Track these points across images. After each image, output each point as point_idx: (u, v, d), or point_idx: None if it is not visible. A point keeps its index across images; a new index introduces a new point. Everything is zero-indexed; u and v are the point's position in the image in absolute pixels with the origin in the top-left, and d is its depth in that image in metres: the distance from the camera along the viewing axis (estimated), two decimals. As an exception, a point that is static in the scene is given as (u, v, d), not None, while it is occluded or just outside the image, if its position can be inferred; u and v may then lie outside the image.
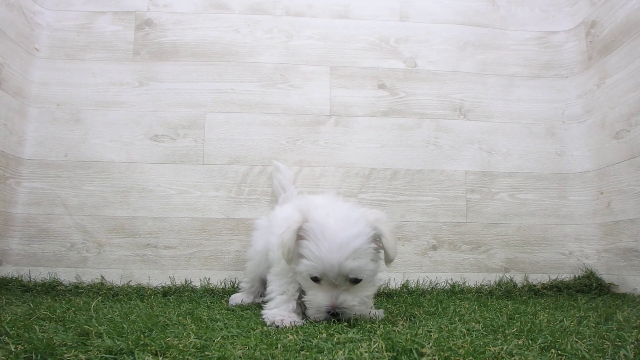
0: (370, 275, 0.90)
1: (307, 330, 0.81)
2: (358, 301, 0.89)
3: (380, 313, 0.99)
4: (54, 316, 0.89)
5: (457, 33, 1.79)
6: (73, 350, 0.63)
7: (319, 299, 0.89)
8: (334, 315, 0.88)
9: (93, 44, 1.69)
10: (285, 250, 0.90)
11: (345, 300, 0.88)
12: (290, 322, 0.88)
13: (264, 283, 1.21)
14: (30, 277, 1.50)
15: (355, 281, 0.89)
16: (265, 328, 0.84)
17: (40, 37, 1.67)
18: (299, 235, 0.90)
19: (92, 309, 1.00)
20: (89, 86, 1.66)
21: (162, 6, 1.73)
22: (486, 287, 1.56)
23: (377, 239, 0.92)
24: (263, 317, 0.94)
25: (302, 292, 0.96)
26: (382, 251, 0.95)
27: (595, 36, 1.68)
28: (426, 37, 1.78)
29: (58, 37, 1.68)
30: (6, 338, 0.68)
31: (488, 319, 0.95)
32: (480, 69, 1.78)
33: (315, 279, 0.89)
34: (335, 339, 0.72)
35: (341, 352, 0.63)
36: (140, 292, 1.41)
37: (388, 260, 0.94)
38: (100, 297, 1.31)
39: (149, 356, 0.62)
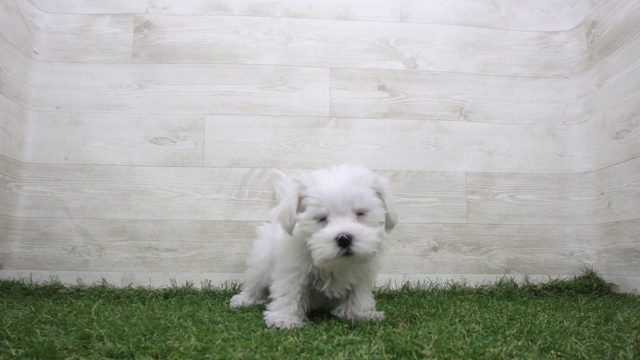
0: (375, 208, 0.89)
1: (307, 332, 0.81)
2: (368, 231, 0.85)
3: (380, 315, 0.99)
4: (55, 319, 0.89)
5: (457, 34, 1.79)
6: (74, 354, 0.63)
7: (326, 231, 0.85)
8: (344, 243, 0.82)
9: (92, 47, 1.69)
10: (287, 216, 0.90)
11: (354, 227, 0.84)
12: (291, 325, 0.88)
13: (265, 291, 1.20)
14: (31, 281, 1.51)
15: (362, 214, 0.88)
16: (266, 330, 0.84)
17: (39, 40, 1.67)
18: (300, 199, 0.91)
19: (93, 312, 1.00)
20: (89, 89, 1.66)
21: (161, 8, 1.74)
22: (487, 288, 1.56)
23: (379, 195, 0.92)
24: (264, 319, 0.94)
25: (304, 293, 0.96)
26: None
27: (596, 36, 1.67)
28: (426, 38, 1.78)
29: (57, 40, 1.69)
30: (7, 342, 0.68)
31: (488, 320, 0.95)
32: (481, 69, 1.78)
33: (321, 220, 0.88)
34: (336, 340, 0.72)
35: (341, 354, 0.63)
36: (142, 295, 1.41)
37: (389, 224, 0.93)
38: (101, 300, 1.31)
39: (150, 359, 0.62)
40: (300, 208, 0.91)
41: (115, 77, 1.68)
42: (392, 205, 0.93)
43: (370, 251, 0.85)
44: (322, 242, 0.85)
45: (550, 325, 0.87)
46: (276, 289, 0.98)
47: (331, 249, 0.84)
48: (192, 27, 1.73)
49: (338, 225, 0.85)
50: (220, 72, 1.71)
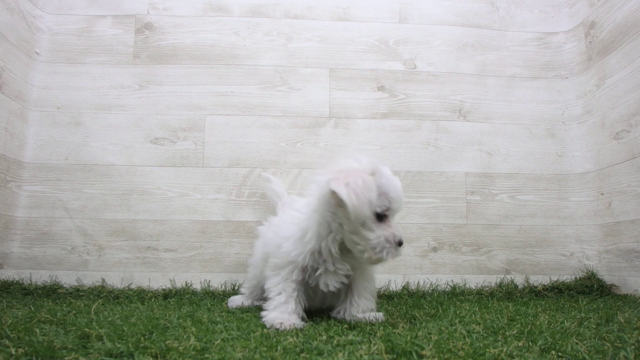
0: None
1: (307, 332, 0.81)
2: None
3: (380, 316, 0.99)
4: (55, 319, 0.89)
5: (456, 34, 1.80)
6: (73, 353, 0.63)
7: (387, 234, 0.90)
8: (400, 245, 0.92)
9: (93, 48, 1.70)
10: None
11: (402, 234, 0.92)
12: (290, 325, 0.88)
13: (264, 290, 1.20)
14: (31, 280, 1.51)
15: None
16: (265, 330, 0.84)
17: (41, 41, 1.67)
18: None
19: (92, 312, 1.00)
20: (90, 89, 1.67)
21: (162, 10, 1.74)
22: (487, 288, 1.56)
23: None
24: (263, 319, 0.94)
25: (299, 290, 0.96)
26: None
27: (595, 37, 1.68)
28: (426, 39, 1.79)
29: (58, 40, 1.69)
30: (7, 341, 0.68)
31: (488, 320, 0.94)
32: (480, 70, 1.78)
33: (379, 217, 0.92)
34: (335, 341, 0.72)
35: (341, 354, 0.63)
36: (141, 295, 1.41)
37: None
38: (100, 300, 1.31)
39: (149, 359, 0.62)
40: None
41: (116, 78, 1.68)
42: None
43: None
44: (387, 244, 0.89)
45: (550, 326, 0.87)
46: (271, 288, 0.97)
47: (395, 253, 0.90)
48: (193, 28, 1.74)
49: (396, 230, 0.91)
50: (221, 72, 1.71)
